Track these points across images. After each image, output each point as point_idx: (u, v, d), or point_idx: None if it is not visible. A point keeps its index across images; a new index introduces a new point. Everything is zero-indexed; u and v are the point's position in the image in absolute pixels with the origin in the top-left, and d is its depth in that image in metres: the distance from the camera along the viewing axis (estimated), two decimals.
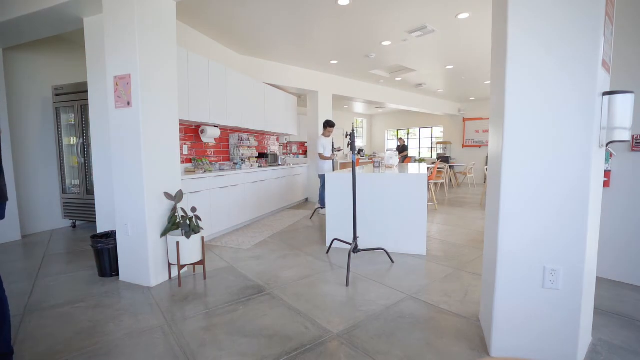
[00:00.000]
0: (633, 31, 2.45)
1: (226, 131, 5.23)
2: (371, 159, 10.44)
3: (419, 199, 3.26)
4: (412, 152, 12.27)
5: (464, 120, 11.01)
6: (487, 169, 4.22)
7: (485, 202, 3.09)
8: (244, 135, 5.40)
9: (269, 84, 5.92)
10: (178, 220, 2.74)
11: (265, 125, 5.72)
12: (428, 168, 6.13)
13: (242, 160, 5.26)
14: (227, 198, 4.25)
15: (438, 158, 10.37)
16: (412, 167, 4.44)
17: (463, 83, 7.94)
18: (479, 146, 10.74)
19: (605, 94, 1.50)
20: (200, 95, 4.13)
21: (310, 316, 2.13)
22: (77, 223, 4.87)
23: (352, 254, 3.11)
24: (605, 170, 2.59)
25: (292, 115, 6.93)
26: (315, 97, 6.80)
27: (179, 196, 2.74)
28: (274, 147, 6.81)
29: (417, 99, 9.41)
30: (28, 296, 2.48)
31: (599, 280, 2.57)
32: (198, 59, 4.07)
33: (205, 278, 2.78)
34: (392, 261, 3.11)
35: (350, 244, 3.06)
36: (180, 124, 4.12)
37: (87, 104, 3.77)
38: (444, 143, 11.46)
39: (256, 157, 5.70)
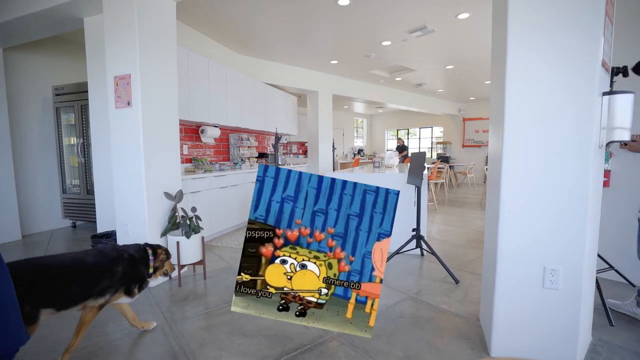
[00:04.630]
0: (633, 31, 2.45)
1: (226, 131, 5.23)
2: (371, 159, 10.45)
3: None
4: (411, 152, 12.27)
5: (464, 120, 11.01)
6: (487, 169, 4.22)
7: (485, 202, 3.09)
8: (244, 135, 5.40)
9: (269, 84, 5.92)
10: (178, 220, 2.74)
11: (265, 125, 5.72)
12: (428, 168, 6.14)
13: (242, 160, 5.26)
14: (227, 198, 4.25)
15: (438, 158, 10.37)
16: None
17: (463, 83, 7.95)
18: (479, 146, 10.75)
19: (605, 94, 1.51)
20: (200, 95, 4.13)
21: None
22: (77, 223, 4.87)
23: None
24: (605, 170, 2.59)
25: (292, 115, 6.93)
26: (315, 97, 6.80)
27: (179, 196, 2.74)
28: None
29: (417, 99, 9.41)
30: None
31: (599, 280, 2.57)
32: (198, 59, 4.07)
33: (205, 278, 2.79)
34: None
35: None
36: (180, 124, 4.11)
37: (87, 104, 3.77)
38: (444, 143, 11.47)
39: (256, 157, 5.70)
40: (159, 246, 1.97)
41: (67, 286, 1.51)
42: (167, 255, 2.00)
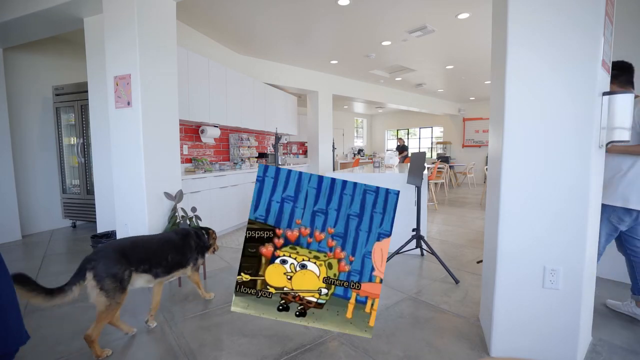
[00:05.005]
0: (633, 31, 2.45)
1: (226, 131, 5.23)
2: (371, 159, 10.46)
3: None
4: (411, 152, 12.27)
5: (464, 120, 11.01)
6: (487, 169, 4.22)
7: (485, 202, 3.09)
8: (244, 135, 5.40)
9: (269, 84, 5.92)
10: (178, 220, 2.74)
11: (265, 125, 5.72)
12: (428, 168, 6.14)
13: (242, 160, 5.26)
14: (227, 198, 4.25)
15: (438, 158, 10.37)
16: None
17: (463, 83, 7.95)
18: (479, 146, 10.75)
19: (604, 94, 1.51)
20: (200, 95, 4.13)
21: None
22: (77, 223, 4.87)
23: None
24: None
25: (292, 115, 6.94)
26: (315, 97, 6.81)
27: (179, 196, 2.74)
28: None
29: (417, 99, 9.41)
30: None
31: (599, 280, 2.57)
32: (198, 59, 4.07)
33: (205, 278, 2.78)
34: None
35: None
36: (180, 124, 4.11)
37: (87, 104, 3.78)
38: (444, 143, 11.47)
39: (256, 157, 5.70)
40: (209, 228, 2.41)
41: (166, 257, 1.96)
42: (215, 235, 2.43)
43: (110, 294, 1.66)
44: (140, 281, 1.84)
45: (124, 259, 1.74)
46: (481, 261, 3.33)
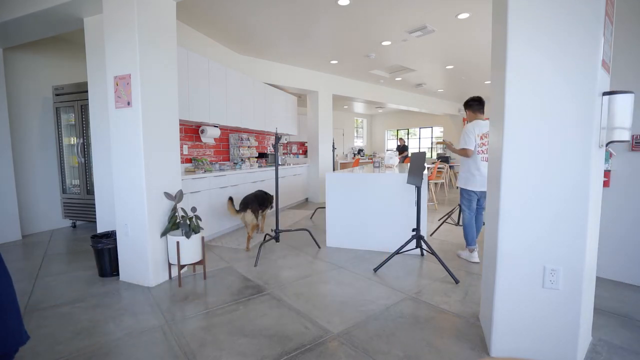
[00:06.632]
0: (633, 31, 2.45)
1: (226, 131, 5.23)
2: (371, 159, 10.45)
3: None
4: (411, 152, 12.26)
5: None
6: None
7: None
8: (244, 135, 5.40)
9: (269, 84, 5.92)
10: (178, 220, 2.74)
11: (265, 125, 5.72)
12: (428, 168, 6.13)
13: (242, 160, 5.26)
14: (227, 198, 4.24)
15: (438, 158, 10.37)
16: None
17: (463, 83, 7.95)
18: None
19: (605, 94, 1.50)
20: (200, 95, 4.13)
21: (310, 316, 2.13)
22: (77, 223, 4.87)
23: (353, 254, 3.10)
24: (605, 170, 2.59)
25: (292, 115, 6.93)
26: (315, 97, 6.81)
27: (179, 196, 2.74)
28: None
29: (417, 99, 9.41)
30: (28, 296, 2.48)
31: (599, 280, 2.57)
32: (198, 59, 4.07)
33: (205, 278, 2.79)
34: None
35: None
36: (180, 124, 4.11)
37: (87, 104, 3.78)
38: (444, 143, 11.45)
39: (256, 157, 5.70)
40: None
41: (264, 202, 3.93)
42: (272, 199, 4.20)
43: (258, 217, 3.70)
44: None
45: (258, 203, 3.72)
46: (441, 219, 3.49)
